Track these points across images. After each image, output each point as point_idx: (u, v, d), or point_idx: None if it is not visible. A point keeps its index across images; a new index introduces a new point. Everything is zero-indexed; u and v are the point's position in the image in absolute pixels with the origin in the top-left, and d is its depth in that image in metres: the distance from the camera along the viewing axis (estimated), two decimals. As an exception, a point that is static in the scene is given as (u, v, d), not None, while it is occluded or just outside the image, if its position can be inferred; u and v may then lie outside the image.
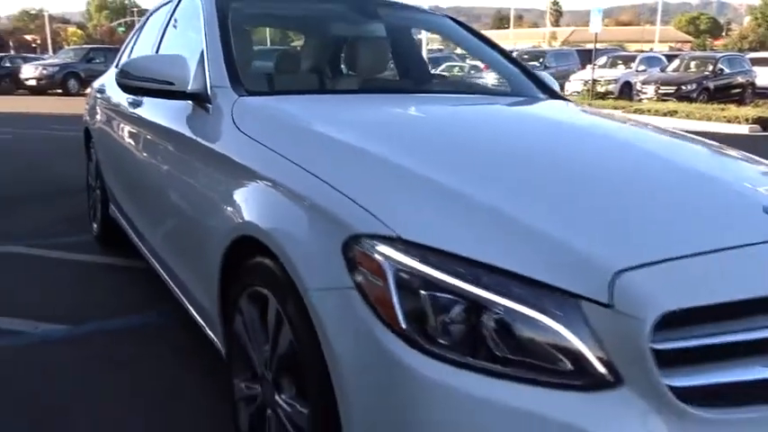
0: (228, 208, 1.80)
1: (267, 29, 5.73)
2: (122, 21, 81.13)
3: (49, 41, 66.50)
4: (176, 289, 2.53)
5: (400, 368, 1.24)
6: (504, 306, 1.22)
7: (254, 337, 1.70)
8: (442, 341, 1.24)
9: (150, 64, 2.33)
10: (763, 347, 1.31)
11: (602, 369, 1.21)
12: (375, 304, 1.28)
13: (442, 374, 1.22)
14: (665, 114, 14.65)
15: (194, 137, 2.21)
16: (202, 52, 2.38)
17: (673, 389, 1.22)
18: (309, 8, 3.04)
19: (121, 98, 3.24)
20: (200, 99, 2.25)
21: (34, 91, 22.85)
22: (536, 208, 1.37)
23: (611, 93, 19.55)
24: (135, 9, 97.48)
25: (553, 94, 2.92)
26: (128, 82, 2.31)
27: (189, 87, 2.26)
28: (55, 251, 4.04)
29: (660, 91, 18.12)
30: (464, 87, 4.01)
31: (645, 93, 18.63)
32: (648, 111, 15.21)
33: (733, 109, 14.43)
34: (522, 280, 1.23)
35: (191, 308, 2.36)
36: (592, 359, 1.21)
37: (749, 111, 14.01)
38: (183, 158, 2.32)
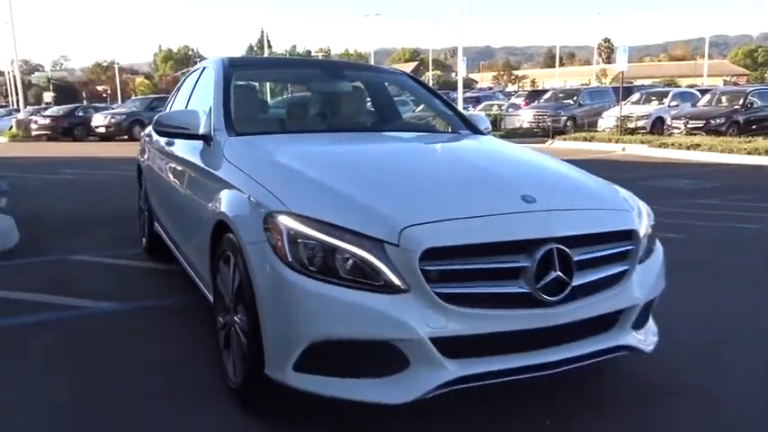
0: (214, 206, 2.84)
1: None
2: (185, 70, 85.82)
3: (119, 91, 70.92)
4: (191, 271, 3.59)
5: (288, 283, 2.24)
6: (343, 248, 2.21)
7: (225, 283, 2.73)
8: (311, 267, 2.23)
9: (174, 115, 3.46)
10: (500, 274, 2.25)
11: (397, 282, 2.18)
12: (276, 249, 2.29)
13: (310, 285, 2.21)
14: (688, 148, 15.20)
15: (201, 164, 3.28)
16: (210, 106, 3.47)
17: (438, 294, 2.18)
18: (293, 72, 4.14)
19: (161, 140, 4.37)
20: (207, 138, 3.33)
21: (103, 137, 24.89)
22: (371, 195, 2.39)
23: (643, 128, 20.06)
24: (198, 59, 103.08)
25: (476, 131, 3.90)
26: (160, 129, 3.43)
27: (200, 131, 3.35)
28: (112, 259, 5.21)
29: (689, 125, 18.57)
30: (412, 127, 4.98)
31: (676, 128, 19.12)
32: (673, 144, 15.78)
33: (756, 141, 14.86)
34: (353, 233, 2.22)
35: (198, 282, 3.41)
36: (391, 276, 2.18)
37: (771, 143, 14.42)
38: (194, 178, 3.40)
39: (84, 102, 50.93)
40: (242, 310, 2.54)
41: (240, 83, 3.85)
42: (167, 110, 4.86)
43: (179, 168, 3.79)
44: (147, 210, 5.08)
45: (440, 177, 2.67)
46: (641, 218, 2.68)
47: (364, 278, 2.20)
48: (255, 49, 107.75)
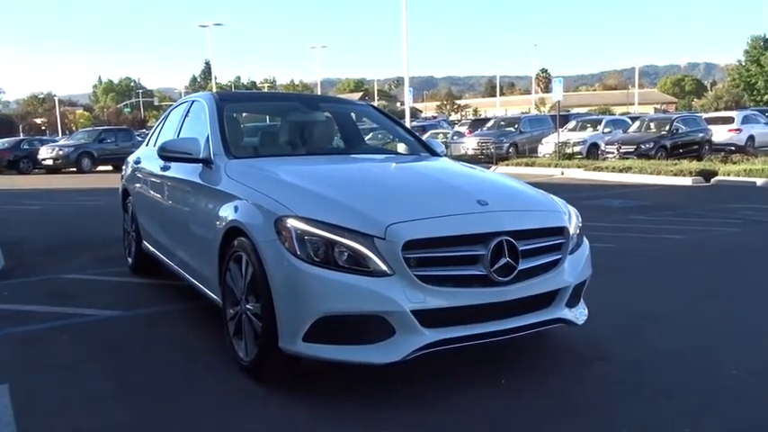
0: (223, 215, 3.40)
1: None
2: (128, 102, 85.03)
3: (59, 124, 69.56)
4: (192, 278, 4.11)
5: (298, 271, 2.83)
6: (340, 242, 2.82)
7: (236, 280, 3.28)
8: (315, 258, 2.83)
9: (177, 143, 4.03)
10: (463, 260, 2.90)
11: (384, 267, 2.80)
12: (286, 245, 2.87)
13: (316, 272, 2.81)
14: (621, 171, 16.33)
15: (203, 182, 3.84)
16: (207, 135, 4.04)
17: (417, 276, 2.80)
18: (275, 105, 4.77)
19: (154, 165, 4.87)
20: (207, 162, 3.90)
21: (50, 170, 24.57)
22: (358, 201, 3.02)
23: (579, 153, 21.29)
24: (140, 90, 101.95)
25: (433, 153, 4.58)
26: (165, 154, 3.99)
27: (200, 155, 3.91)
28: (100, 276, 5.66)
29: (621, 150, 19.82)
30: (379, 150, 5.69)
31: (610, 152, 20.38)
32: (607, 168, 16.92)
33: (681, 164, 16.13)
34: (349, 230, 2.84)
35: (202, 286, 3.93)
36: (380, 263, 2.80)
37: (693, 165, 15.65)
38: (197, 195, 3.95)
39: (22, 135, 49.87)
40: (254, 299, 3.10)
41: (230, 114, 4.42)
42: (154, 139, 5.40)
43: (180, 188, 4.31)
44: (135, 230, 5.53)
45: (411, 188, 3.34)
46: (571, 219, 3.39)
47: (358, 265, 2.81)
48: (199, 79, 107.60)
